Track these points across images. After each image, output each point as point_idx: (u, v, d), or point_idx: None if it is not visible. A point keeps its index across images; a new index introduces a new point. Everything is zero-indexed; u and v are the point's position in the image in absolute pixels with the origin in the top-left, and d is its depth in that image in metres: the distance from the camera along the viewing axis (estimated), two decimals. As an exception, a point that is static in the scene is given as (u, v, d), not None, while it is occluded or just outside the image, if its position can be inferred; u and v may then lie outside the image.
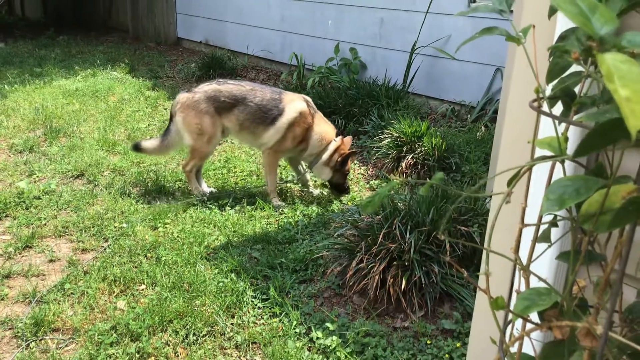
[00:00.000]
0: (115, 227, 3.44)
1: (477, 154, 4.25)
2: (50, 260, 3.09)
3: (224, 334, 2.49)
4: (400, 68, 5.78)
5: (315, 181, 4.30)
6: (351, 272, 2.69)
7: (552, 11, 0.85)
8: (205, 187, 4.02)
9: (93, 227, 3.42)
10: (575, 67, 0.80)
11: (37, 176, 4.16)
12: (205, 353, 2.36)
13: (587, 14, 0.63)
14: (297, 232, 3.40)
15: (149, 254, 3.13)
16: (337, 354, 2.35)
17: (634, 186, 0.69)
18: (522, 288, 0.86)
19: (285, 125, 3.74)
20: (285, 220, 3.58)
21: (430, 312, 2.61)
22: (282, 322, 2.56)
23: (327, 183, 4.05)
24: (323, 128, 3.87)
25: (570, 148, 0.79)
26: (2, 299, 2.73)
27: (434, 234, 2.69)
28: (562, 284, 1.17)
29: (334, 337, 2.44)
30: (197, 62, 7.63)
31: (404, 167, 4.13)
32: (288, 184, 4.23)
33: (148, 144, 3.98)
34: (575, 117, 0.81)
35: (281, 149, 3.82)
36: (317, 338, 2.45)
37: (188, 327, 2.50)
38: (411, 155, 4.12)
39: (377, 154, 4.43)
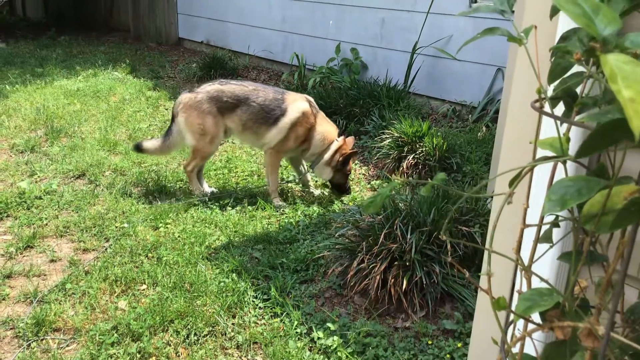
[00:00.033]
0: (116, 227, 3.44)
1: (478, 155, 4.25)
2: (52, 260, 3.09)
3: (225, 334, 2.49)
4: (401, 68, 5.77)
5: (316, 181, 4.30)
6: (352, 272, 2.69)
7: (554, 11, 0.85)
8: (207, 187, 4.02)
9: (94, 227, 3.43)
10: (577, 68, 0.80)
11: (39, 176, 4.16)
12: (206, 353, 2.36)
13: (590, 15, 0.63)
14: (298, 232, 3.40)
15: (150, 254, 3.13)
16: (338, 354, 2.35)
17: (636, 187, 0.69)
18: (524, 288, 0.86)
19: (288, 125, 3.73)
20: (287, 221, 3.58)
21: (432, 313, 2.61)
22: (283, 322, 2.56)
23: (328, 183, 4.05)
24: (325, 128, 3.87)
25: (572, 149, 0.79)
26: (4, 299, 2.73)
27: (435, 234, 2.69)
28: (564, 285, 1.17)
29: (335, 337, 2.44)
30: (198, 63, 7.63)
31: (405, 167, 4.12)
32: (289, 184, 4.23)
33: (149, 144, 3.98)
34: (577, 118, 0.81)
35: (283, 149, 3.82)
36: (318, 338, 2.45)
37: (189, 327, 2.50)
38: (412, 156, 4.12)
39: (378, 154, 4.43)
